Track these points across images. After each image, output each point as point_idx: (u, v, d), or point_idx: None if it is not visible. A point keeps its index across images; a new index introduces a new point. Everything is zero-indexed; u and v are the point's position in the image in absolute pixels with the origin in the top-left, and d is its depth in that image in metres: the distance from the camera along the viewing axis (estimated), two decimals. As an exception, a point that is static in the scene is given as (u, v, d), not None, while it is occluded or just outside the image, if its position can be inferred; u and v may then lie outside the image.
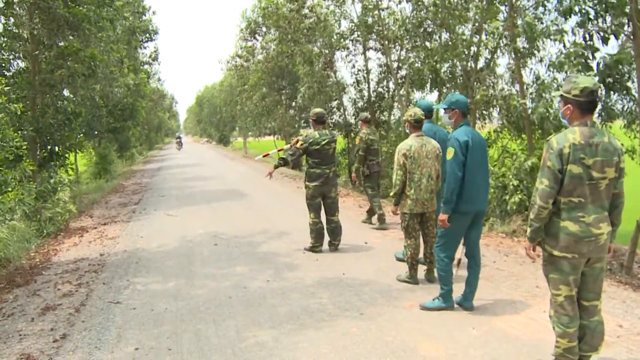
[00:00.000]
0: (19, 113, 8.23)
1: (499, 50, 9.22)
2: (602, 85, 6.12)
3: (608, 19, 5.98)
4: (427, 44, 11.78)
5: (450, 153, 4.01)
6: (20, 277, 5.91)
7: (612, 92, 6.36)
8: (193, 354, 3.69)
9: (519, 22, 7.42)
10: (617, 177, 2.94)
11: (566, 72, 6.04)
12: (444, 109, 4.30)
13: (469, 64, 9.58)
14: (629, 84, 6.20)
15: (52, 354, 3.80)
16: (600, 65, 5.92)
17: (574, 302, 3.01)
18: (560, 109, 3.05)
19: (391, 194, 5.03)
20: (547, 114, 6.94)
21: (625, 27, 5.95)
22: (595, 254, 2.95)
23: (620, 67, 5.95)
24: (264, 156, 8.36)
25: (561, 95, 3.00)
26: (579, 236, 2.89)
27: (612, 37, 5.89)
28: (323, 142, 6.20)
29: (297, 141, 6.41)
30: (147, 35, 23.47)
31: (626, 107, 7.14)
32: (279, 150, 8.21)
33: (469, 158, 4.00)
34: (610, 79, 6.05)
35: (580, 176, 2.86)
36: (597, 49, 5.96)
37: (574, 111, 2.93)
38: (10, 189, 7.92)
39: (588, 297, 3.05)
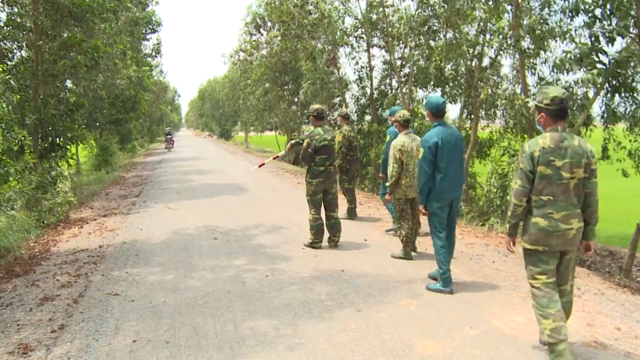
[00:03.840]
0: (17, 100, 8.24)
1: (503, 50, 9.19)
2: (607, 86, 6.10)
3: (614, 20, 5.95)
4: (432, 42, 11.76)
5: (420, 153, 4.61)
6: (19, 267, 5.91)
7: (616, 94, 6.32)
8: (191, 347, 3.69)
9: (524, 22, 7.39)
10: (587, 178, 3.21)
11: (574, 73, 6.02)
12: None
13: (472, 63, 9.56)
14: (635, 84, 6.17)
15: (49, 344, 3.81)
16: (613, 64, 5.88)
17: (550, 288, 3.28)
18: (536, 117, 3.37)
19: (387, 184, 5.76)
20: None
21: (631, 29, 5.93)
22: (565, 247, 3.25)
23: (626, 67, 5.92)
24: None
25: (536, 105, 3.32)
26: (548, 231, 3.21)
27: (618, 38, 5.86)
28: (329, 138, 6.23)
29: (292, 146, 6.58)
30: (151, 27, 23.40)
31: (629, 110, 7.12)
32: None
33: (439, 157, 4.50)
34: (615, 81, 6.02)
35: (550, 177, 3.17)
36: (600, 49, 5.94)
37: (546, 119, 3.24)
38: (11, 179, 7.93)
39: (559, 283, 3.37)
